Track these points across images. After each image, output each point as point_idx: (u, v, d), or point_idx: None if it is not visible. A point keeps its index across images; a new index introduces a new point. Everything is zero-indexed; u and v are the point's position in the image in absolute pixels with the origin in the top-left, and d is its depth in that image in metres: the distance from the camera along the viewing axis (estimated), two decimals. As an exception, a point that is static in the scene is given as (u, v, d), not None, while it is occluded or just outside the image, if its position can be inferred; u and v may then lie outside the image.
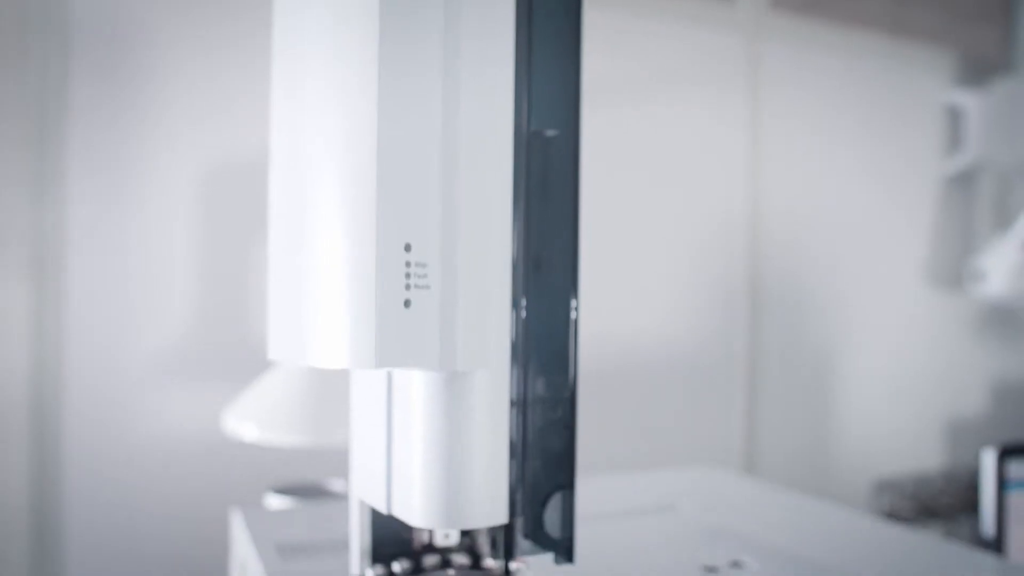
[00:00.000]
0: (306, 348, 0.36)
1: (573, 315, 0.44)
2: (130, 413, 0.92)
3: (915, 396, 1.40)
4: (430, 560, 0.45)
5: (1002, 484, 0.66)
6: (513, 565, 0.44)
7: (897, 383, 1.39)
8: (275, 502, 0.79)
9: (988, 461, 0.66)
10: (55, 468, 0.89)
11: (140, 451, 0.92)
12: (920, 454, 1.40)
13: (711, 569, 0.60)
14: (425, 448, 0.37)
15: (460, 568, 0.43)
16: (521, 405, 0.41)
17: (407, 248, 0.34)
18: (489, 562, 0.44)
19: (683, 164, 1.23)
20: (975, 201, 1.47)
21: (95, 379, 0.91)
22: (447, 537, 0.45)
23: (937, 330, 1.44)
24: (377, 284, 0.33)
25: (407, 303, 0.34)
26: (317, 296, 0.35)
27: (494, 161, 0.38)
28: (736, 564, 0.61)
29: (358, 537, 0.44)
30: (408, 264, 0.34)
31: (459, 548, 0.46)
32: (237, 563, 0.72)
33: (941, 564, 0.63)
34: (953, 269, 1.44)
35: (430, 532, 0.45)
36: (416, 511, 0.37)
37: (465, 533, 0.46)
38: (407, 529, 0.46)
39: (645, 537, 0.69)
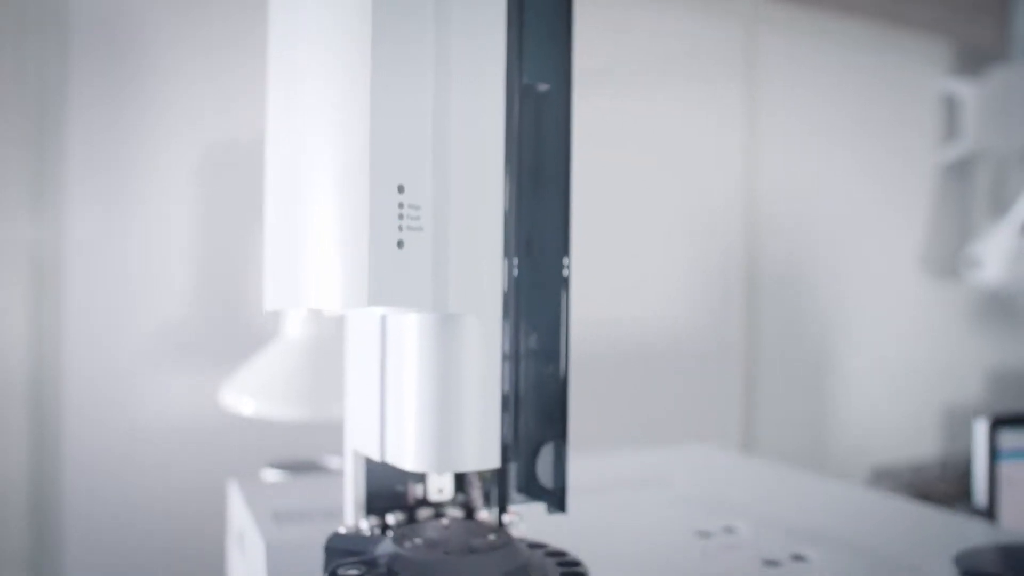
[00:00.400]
0: (301, 292, 0.36)
1: (565, 272, 0.45)
2: (128, 396, 0.92)
3: (912, 384, 1.41)
4: (424, 514, 0.45)
5: (994, 454, 0.66)
6: (506, 517, 0.44)
7: (894, 371, 1.39)
8: (271, 477, 0.80)
9: (980, 431, 0.66)
10: (54, 450, 0.89)
11: (138, 433, 0.92)
12: (917, 441, 1.40)
13: (704, 534, 0.61)
14: (418, 392, 0.37)
15: (454, 519, 0.44)
16: (513, 354, 0.42)
17: (400, 189, 0.35)
18: (483, 515, 0.45)
19: (680, 151, 1.24)
20: (971, 190, 1.48)
21: (93, 362, 0.91)
22: (441, 492, 0.46)
23: (934, 318, 1.44)
24: (371, 223, 0.34)
25: (400, 244, 0.34)
26: (311, 239, 0.36)
27: (486, 111, 0.39)
28: (729, 530, 0.61)
29: (352, 489, 0.44)
30: (401, 205, 0.35)
31: (453, 503, 0.46)
32: (234, 534, 0.73)
33: (934, 529, 0.63)
34: (950, 257, 1.44)
35: (424, 487, 0.46)
36: (409, 455, 0.37)
37: (459, 488, 0.47)
38: (402, 484, 0.47)
39: (639, 506, 0.69)
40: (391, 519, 0.44)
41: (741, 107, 1.27)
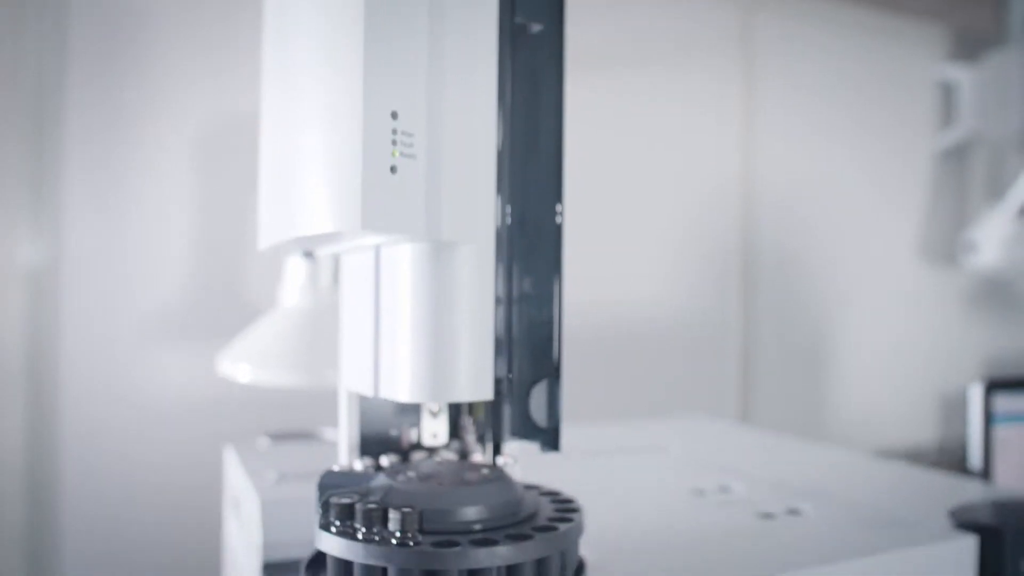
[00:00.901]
0: (295, 220, 0.36)
1: (558, 220, 0.45)
2: (126, 375, 0.92)
3: (909, 369, 1.41)
4: (418, 457, 0.45)
5: (989, 418, 0.66)
6: (500, 459, 0.44)
7: (891, 356, 1.39)
8: (266, 447, 0.80)
9: (975, 395, 0.66)
10: (51, 427, 0.89)
11: (135, 411, 0.92)
12: (913, 426, 1.40)
13: (699, 492, 0.61)
14: (412, 322, 0.37)
15: (448, 459, 0.44)
16: (507, 293, 0.42)
17: (394, 116, 0.35)
18: (477, 457, 0.45)
19: (677, 136, 1.24)
20: (968, 175, 1.48)
21: (91, 339, 0.91)
22: (435, 437, 0.46)
23: (931, 303, 1.44)
24: (363, 147, 0.34)
25: (393, 169, 0.34)
26: (305, 167, 0.36)
27: (480, 48, 0.39)
28: (724, 488, 0.61)
29: (347, 431, 0.44)
30: (395, 132, 0.35)
31: (447, 448, 0.46)
32: (230, 499, 0.73)
33: (929, 487, 0.63)
34: (946, 243, 1.44)
35: (418, 431, 0.46)
36: (403, 386, 0.38)
37: (454, 435, 0.47)
38: (396, 429, 0.47)
39: (636, 468, 0.69)
40: (385, 461, 0.44)
41: (738, 92, 1.27)
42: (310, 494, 0.54)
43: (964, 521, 0.51)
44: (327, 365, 0.74)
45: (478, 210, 0.38)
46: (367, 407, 0.45)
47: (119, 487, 0.91)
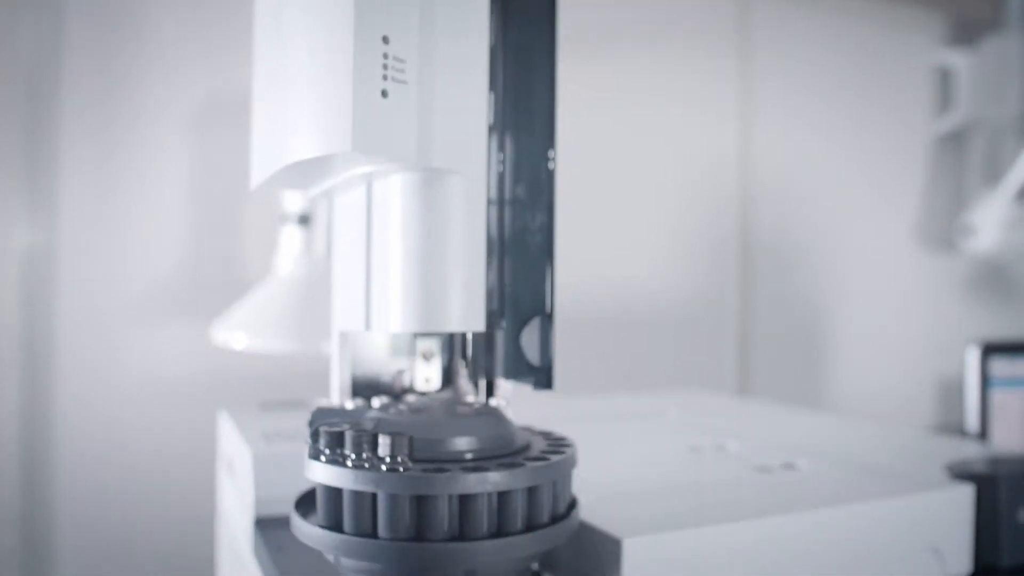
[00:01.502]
0: (286, 148, 0.36)
1: (551, 165, 0.45)
2: (121, 349, 0.92)
3: (906, 354, 1.41)
4: (411, 400, 0.45)
5: (985, 382, 0.66)
6: (494, 401, 0.44)
7: (888, 340, 1.39)
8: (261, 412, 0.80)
9: (971, 358, 0.66)
10: (46, 403, 0.89)
11: (131, 386, 0.92)
12: (910, 412, 1.40)
13: (696, 449, 0.60)
14: (403, 251, 0.37)
15: (440, 397, 0.43)
16: (499, 228, 0.42)
17: (385, 40, 0.34)
18: (471, 399, 0.44)
19: (675, 117, 1.24)
20: (966, 160, 1.48)
21: (86, 317, 0.91)
22: (428, 382, 0.46)
23: (928, 289, 1.44)
24: (354, 70, 0.33)
25: (384, 93, 0.34)
26: (296, 95, 0.36)
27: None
28: (721, 447, 0.61)
29: (338, 372, 0.44)
30: (386, 56, 0.34)
31: (439, 393, 0.46)
32: (224, 464, 0.72)
33: (927, 446, 0.63)
34: (944, 228, 1.44)
35: (411, 376, 0.46)
36: (394, 316, 0.37)
37: (447, 381, 0.47)
38: (388, 374, 0.46)
39: (632, 431, 0.69)
40: (376, 403, 0.44)
41: (735, 76, 1.27)
42: (302, 452, 0.54)
43: (960, 473, 0.50)
44: (322, 333, 0.73)
45: (470, 140, 0.37)
46: (359, 352, 0.45)
47: (114, 463, 0.90)
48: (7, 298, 0.88)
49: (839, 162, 1.37)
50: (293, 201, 0.78)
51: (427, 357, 0.45)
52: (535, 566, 0.47)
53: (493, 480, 0.34)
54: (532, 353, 0.41)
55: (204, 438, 0.85)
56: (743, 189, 1.28)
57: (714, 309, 1.27)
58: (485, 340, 0.41)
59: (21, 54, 0.88)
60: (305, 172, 0.38)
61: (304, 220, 0.78)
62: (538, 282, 0.41)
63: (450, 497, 0.34)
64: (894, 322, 1.39)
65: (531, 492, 0.36)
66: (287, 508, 0.56)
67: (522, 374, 0.41)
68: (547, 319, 0.41)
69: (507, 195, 0.43)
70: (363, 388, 0.46)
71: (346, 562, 0.36)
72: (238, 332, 0.75)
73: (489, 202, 0.42)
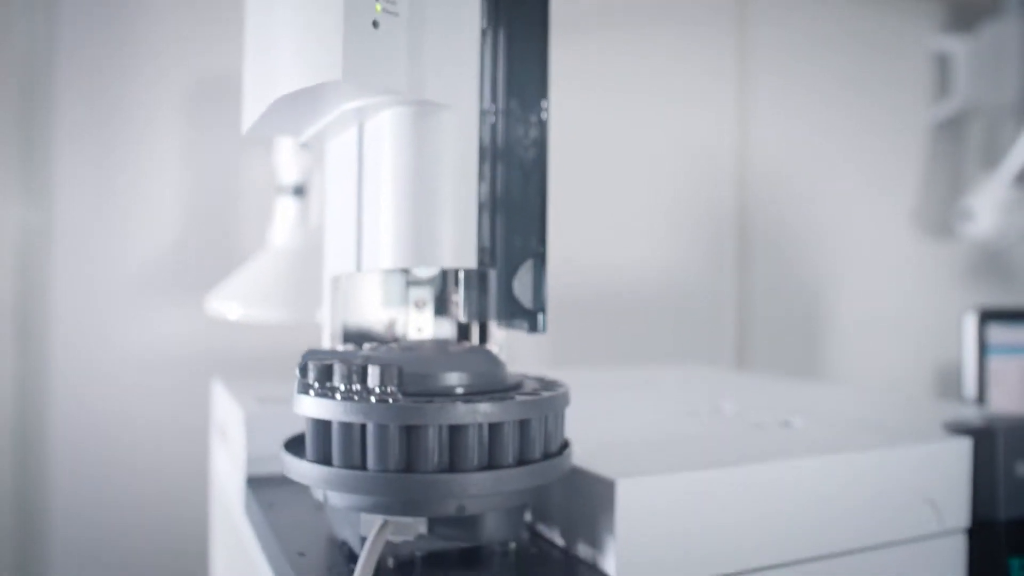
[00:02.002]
0: (277, 80, 0.36)
1: (544, 115, 0.44)
2: (117, 326, 0.91)
3: (904, 340, 1.40)
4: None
5: (983, 349, 0.66)
6: (487, 346, 0.43)
7: (885, 324, 1.39)
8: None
9: (969, 325, 0.66)
10: (41, 381, 0.88)
11: (126, 363, 0.91)
12: (908, 395, 1.40)
13: (693, 412, 0.60)
14: (394, 186, 0.37)
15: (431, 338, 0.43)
16: (491, 169, 0.41)
17: (375, -30, 0.34)
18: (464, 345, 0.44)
19: (672, 101, 1.23)
20: (964, 146, 1.48)
21: (82, 292, 0.90)
22: (420, 331, 0.45)
23: (926, 273, 1.44)
24: (345, 0, 0.33)
25: (375, 24, 0.34)
26: (287, 28, 0.36)
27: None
28: (716, 409, 0.60)
29: (330, 319, 0.43)
30: (376, -14, 0.34)
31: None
32: (217, 430, 0.72)
33: (925, 409, 0.63)
34: (942, 213, 1.44)
35: (404, 324, 0.45)
36: (385, 252, 0.37)
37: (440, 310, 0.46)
38: (380, 323, 0.46)
39: (631, 396, 0.69)
40: (367, 347, 0.44)
41: (733, 61, 1.27)
42: (292, 414, 0.54)
43: (958, 428, 0.50)
44: (316, 302, 0.73)
45: (461, 74, 0.37)
46: (352, 302, 0.45)
47: (109, 438, 0.90)
48: (2, 276, 0.87)
49: (837, 147, 1.36)
50: (288, 172, 0.78)
51: (419, 306, 0.45)
52: (528, 517, 0.47)
53: (484, 411, 0.33)
54: (524, 296, 0.41)
55: (199, 414, 0.85)
56: (741, 175, 1.28)
57: (712, 292, 1.26)
58: (478, 282, 0.41)
59: (16, 35, 0.88)
60: (296, 110, 0.38)
61: (299, 191, 0.77)
62: (531, 225, 0.41)
63: (440, 428, 0.33)
64: (891, 306, 1.39)
65: (522, 427, 0.35)
66: (278, 467, 0.56)
67: (515, 317, 0.41)
68: (540, 262, 0.41)
69: (499, 141, 0.43)
70: (355, 338, 0.45)
71: (335, 500, 0.36)
72: (232, 302, 0.74)
73: (482, 146, 0.42)
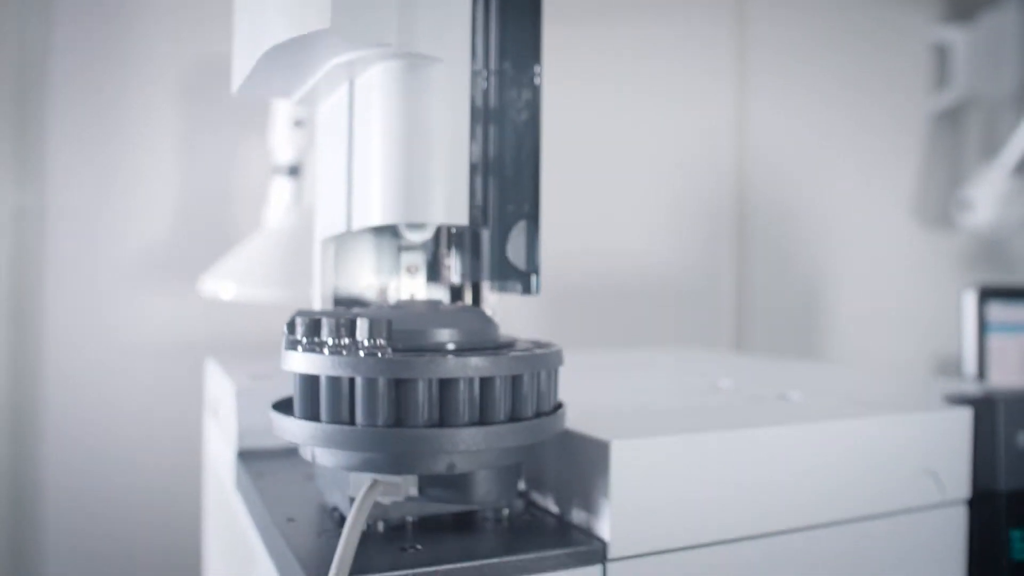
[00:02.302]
0: (265, 34, 0.35)
1: (536, 80, 0.44)
2: (111, 310, 0.91)
3: (903, 329, 1.40)
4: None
5: (983, 326, 0.65)
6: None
7: (885, 316, 1.38)
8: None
9: (968, 303, 0.65)
10: (34, 363, 0.88)
11: (120, 348, 0.91)
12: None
13: (688, 386, 0.59)
14: (383, 141, 0.36)
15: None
16: (483, 127, 0.41)
17: (364, -82, 0.34)
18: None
19: (671, 90, 1.23)
20: (963, 137, 1.47)
21: (76, 276, 0.90)
22: (412, 298, 0.45)
23: (925, 264, 1.43)
24: (333, -53, 0.33)
25: (364, -28, 0.33)
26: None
27: None
28: (713, 385, 0.60)
29: (320, 281, 0.43)
30: (365, -65, 0.34)
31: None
32: (210, 408, 0.71)
33: (925, 385, 0.62)
34: (941, 204, 1.43)
35: (396, 289, 0.45)
36: (375, 208, 0.36)
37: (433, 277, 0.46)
38: (371, 292, 0.45)
39: (628, 373, 0.68)
40: (358, 308, 0.43)
41: (731, 51, 1.27)
42: (284, 388, 0.53)
43: (958, 399, 0.49)
44: (311, 281, 0.72)
45: (452, 27, 0.36)
46: (343, 269, 0.44)
47: (102, 422, 0.89)
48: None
49: (836, 137, 1.36)
50: (284, 152, 0.77)
51: (412, 272, 0.44)
52: (522, 485, 0.47)
53: (474, 365, 0.33)
54: (518, 258, 0.40)
55: (194, 399, 0.84)
56: (740, 165, 1.27)
57: (711, 282, 1.25)
58: (470, 242, 0.40)
59: (11, 19, 0.87)
60: (285, 65, 0.38)
61: (294, 171, 0.77)
62: (524, 187, 0.41)
63: (430, 382, 0.33)
64: (890, 295, 1.38)
65: (515, 383, 0.35)
66: (269, 441, 0.56)
67: (508, 278, 0.40)
68: (533, 224, 0.40)
69: (492, 102, 0.43)
70: (346, 303, 0.45)
71: (323, 459, 0.35)
72: (227, 281, 0.74)
73: (474, 107, 0.42)
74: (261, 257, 0.74)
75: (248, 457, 0.54)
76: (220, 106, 0.93)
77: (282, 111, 0.77)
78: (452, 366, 0.32)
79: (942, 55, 1.44)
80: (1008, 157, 1.31)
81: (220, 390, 0.62)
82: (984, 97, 1.42)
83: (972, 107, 1.46)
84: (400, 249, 0.44)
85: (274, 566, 0.39)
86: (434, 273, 0.45)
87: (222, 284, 0.73)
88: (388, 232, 0.44)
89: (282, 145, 0.77)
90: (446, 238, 0.44)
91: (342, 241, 0.43)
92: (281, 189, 0.77)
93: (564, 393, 0.41)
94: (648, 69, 1.20)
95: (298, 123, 0.75)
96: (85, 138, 0.90)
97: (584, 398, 0.49)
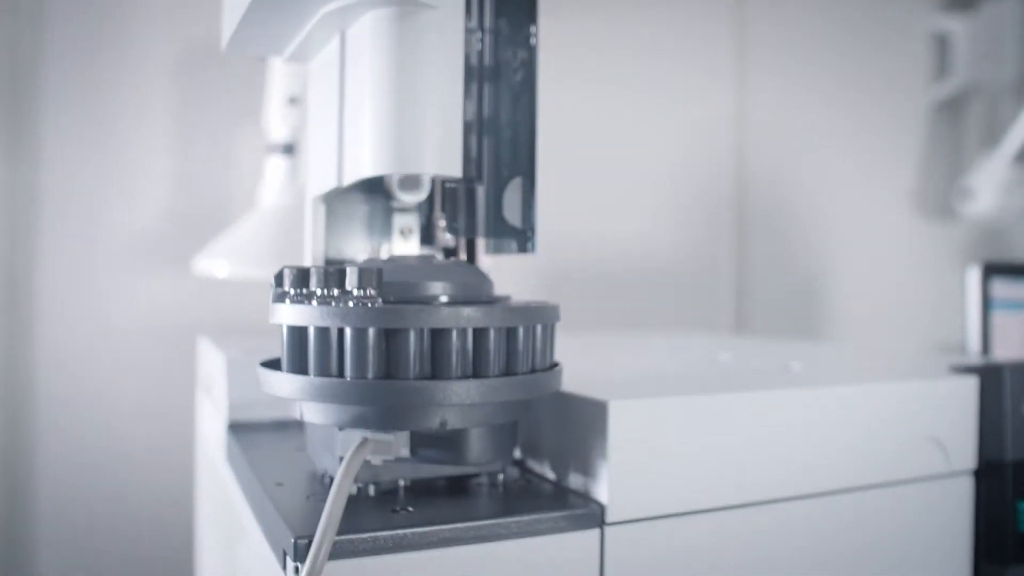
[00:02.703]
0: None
1: (532, 41, 0.43)
2: (105, 292, 0.90)
3: (904, 319, 1.39)
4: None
5: (986, 303, 0.64)
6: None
7: (886, 305, 1.37)
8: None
9: (972, 279, 0.64)
10: (27, 346, 0.87)
11: (114, 330, 0.90)
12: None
13: (688, 359, 0.58)
14: (376, 90, 0.35)
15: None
16: (478, 80, 0.40)
17: None
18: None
19: (671, 77, 1.22)
20: (963, 126, 1.46)
21: (69, 258, 0.88)
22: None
23: (927, 254, 1.42)
24: None
25: (354, -88, 0.32)
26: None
27: None
28: (714, 360, 0.59)
29: (311, 243, 0.42)
30: None
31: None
32: (202, 384, 0.70)
33: (930, 359, 0.61)
34: (942, 193, 1.42)
35: (389, 249, 0.44)
36: (366, 159, 0.35)
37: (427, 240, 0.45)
38: (363, 255, 0.44)
39: (628, 348, 0.67)
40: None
41: (731, 38, 1.26)
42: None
43: (963, 369, 0.48)
44: (302, 259, 0.71)
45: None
46: (335, 230, 0.43)
47: (96, 404, 0.88)
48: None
49: (836, 127, 1.35)
50: (278, 130, 0.76)
51: (405, 234, 0.43)
52: (517, 454, 0.45)
53: (467, 315, 0.32)
54: (513, 215, 0.39)
55: (187, 381, 0.83)
56: (739, 154, 1.26)
57: (711, 271, 1.24)
58: (465, 198, 0.39)
59: (3, 6, 0.86)
60: (275, 17, 0.37)
61: (289, 149, 0.76)
62: (520, 145, 0.40)
63: (422, 332, 0.32)
64: (891, 285, 1.37)
65: (509, 336, 0.33)
66: (260, 413, 0.54)
67: (503, 236, 0.39)
68: (529, 182, 0.39)
69: (487, 60, 0.42)
70: (337, 263, 0.44)
71: (312, 416, 0.34)
72: (221, 260, 0.73)
73: (470, 65, 0.41)
74: (255, 236, 0.73)
75: (239, 430, 0.53)
76: (216, 86, 0.92)
77: (276, 88, 0.76)
78: (444, 316, 0.31)
79: (942, 44, 1.43)
80: (1009, 146, 1.30)
81: (212, 364, 0.61)
82: (985, 86, 1.41)
83: (973, 96, 1.45)
84: (393, 211, 0.43)
85: (261, 530, 0.38)
86: (428, 236, 0.44)
87: (216, 263, 0.72)
88: (381, 195, 0.43)
89: (276, 123, 0.76)
90: (441, 202, 0.43)
91: (334, 203, 0.42)
92: (276, 167, 0.76)
93: (560, 361, 0.40)
94: (649, 56, 1.19)
95: (292, 100, 0.74)
96: (79, 118, 0.89)
97: (581, 367, 0.48)
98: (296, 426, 0.52)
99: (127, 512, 0.86)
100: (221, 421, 0.54)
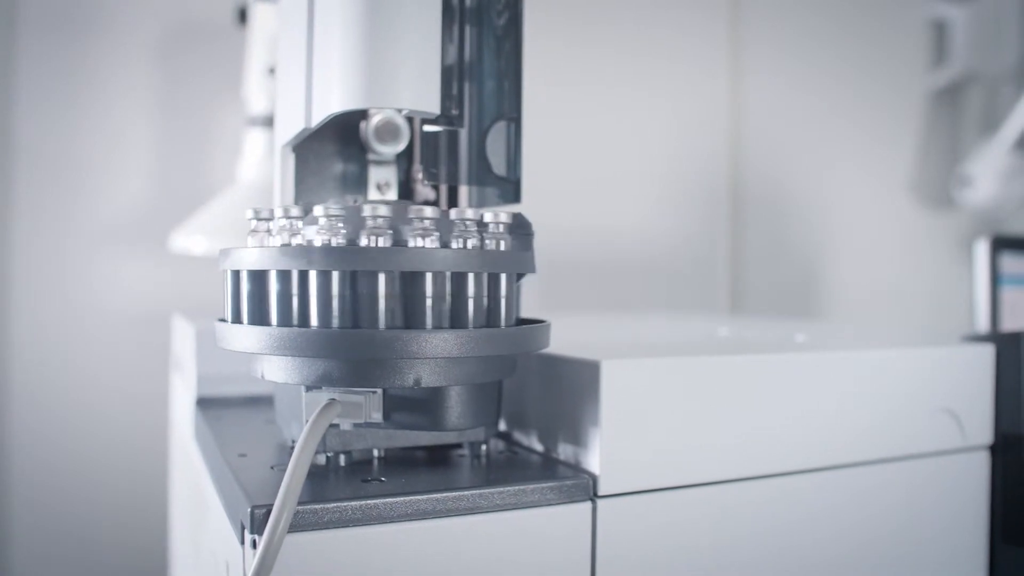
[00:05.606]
0: None
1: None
2: (82, 275, 0.86)
3: (902, 307, 1.36)
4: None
5: (995, 278, 0.62)
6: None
7: (884, 294, 1.35)
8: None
9: (981, 253, 0.62)
10: (1, 333, 0.83)
11: (91, 313, 0.86)
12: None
13: (685, 332, 0.55)
14: (345, 19, 0.32)
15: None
16: (460, 5, 0.37)
17: None
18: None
19: (666, 67, 1.19)
20: (962, 114, 1.44)
21: (45, 245, 0.85)
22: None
23: (925, 242, 1.40)
24: None
25: None
26: None
27: None
28: (710, 333, 0.56)
29: (279, 194, 0.39)
30: None
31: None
32: (174, 362, 0.67)
33: (935, 333, 0.58)
34: (940, 181, 1.40)
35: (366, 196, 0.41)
36: (335, 95, 0.32)
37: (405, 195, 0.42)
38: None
39: (624, 323, 0.64)
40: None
41: (726, 27, 1.23)
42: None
43: (978, 338, 0.46)
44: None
45: None
46: (306, 183, 0.40)
47: (72, 388, 0.85)
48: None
49: (833, 115, 1.33)
50: (257, 101, 0.73)
51: (382, 189, 0.40)
52: (503, 425, 0.42)
53: (442, 258, 0.29)
54: (498, 161, 0.36)
55: (164, 362, 0.80)
56: (735, 142, 1.24)
57: (707, 259, 1.22)
58: (447, 143, 0.36)
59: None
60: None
61: (268, 122, 0.72)
62: (505, 89, 0.37)
63: (392, 276, 0.28)
64: (889, 273, 1.35)
65: (491, 285, 0.30)
66: (229, 389, 0.51)
67: (487, 183, 0.36)
68: (515, 127, 0.36)
69: (468, 2, 0.39)
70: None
71: (273, 374, 0.31)
72: (197, 236, 0.69)
73: (451, 5, 0.38)
74: (234, 211, 0.70)
75: (208, 405, 0.49)
76: (197, 67, 0.89)
77: (255, 58, 0.73)
78: (418, 258, 0.28)
79: (941, 31, 1.41)
80: (1008, 133, 1.28)
81: (182, 340, 0.58)
82: (983, 73, 1.39)
83: (971, 83, 1.43)
84: (369, 164, 0.40)
85: (222, 504, 0.35)
86: (407, 192, 0.41)
87: (193, 239, 0.69)
88: (356, 147, 0.40)
89: (256, 94, 0.73)
90: (420, 155, 0.39)
91: (305, 154, 0.39)
92: (255, 141, 0.73)
93: (553, 338, 0.37)
94: (646, 44, 1.17)
95: (272, 71, 0.71)
96: (55, 94, 0.85)
97: (573, 338, 0.45)
98: (268, 401, 0.48)
99: (101, 498, 0.83)
100: (190, 396, 0.51)
